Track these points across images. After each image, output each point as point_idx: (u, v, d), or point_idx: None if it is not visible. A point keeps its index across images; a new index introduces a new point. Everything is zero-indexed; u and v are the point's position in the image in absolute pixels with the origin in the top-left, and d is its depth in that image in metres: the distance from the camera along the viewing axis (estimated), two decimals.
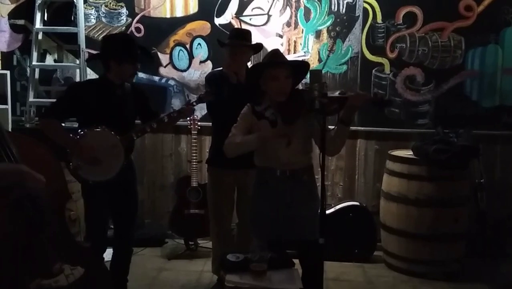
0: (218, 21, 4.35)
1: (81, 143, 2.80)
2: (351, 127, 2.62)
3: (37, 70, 4.40)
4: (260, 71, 2.64)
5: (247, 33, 3.37)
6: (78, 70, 4.39)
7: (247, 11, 4.34)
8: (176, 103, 4.43)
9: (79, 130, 2.85)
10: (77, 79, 4.42)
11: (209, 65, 4.40)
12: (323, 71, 3.99)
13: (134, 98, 3.04)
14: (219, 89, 3.22)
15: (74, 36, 4.30)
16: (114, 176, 2.88)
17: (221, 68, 3.57)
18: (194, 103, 3.10)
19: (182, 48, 4.42)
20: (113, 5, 4.43)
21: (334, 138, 2.55)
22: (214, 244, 3.55)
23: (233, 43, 3.28)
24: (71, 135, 2.84)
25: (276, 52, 2.77)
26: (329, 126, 2.54)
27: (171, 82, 4.46)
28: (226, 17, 4.35)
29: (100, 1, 4.43)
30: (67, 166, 2.82)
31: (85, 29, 4.35)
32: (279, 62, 2.63)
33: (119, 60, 2.85)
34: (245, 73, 3.15)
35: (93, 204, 2.97)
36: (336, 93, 2.49)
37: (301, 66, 2.68)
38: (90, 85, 3.06)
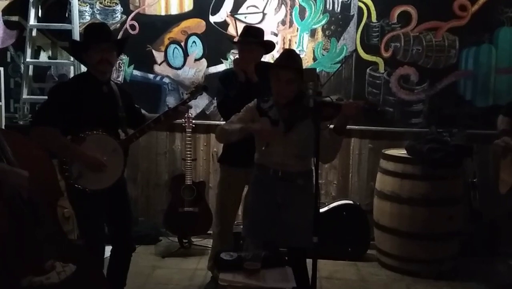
0: (213, 19, 4.34)
1: (85, 150, 2.59)
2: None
3: (31, 67, 4.38)
4: (266, 70, 2.66)
5: (257, 31, 3.33)
6: (72, 67, 4.37)
7: (242, 9, 4.34)
8: (171, 101, 4.42)
9: (77, 135, 2.62)
10: (71, 76, 4.40)
11: (204, 63, 4.39)
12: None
13: (121, 98, 2.83)
14: (229, 88, 3.21)
15: (69, 33, 4.28)
16: (115, 182, 2.72)
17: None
18: (188, 101, 2.99)
19: (177, 46, 4.41)
20: (107, 2, 4.41)
21: (327, 146, 2.51)
22: (214, 241, 3.54)
23: (240, 41, 3.29)
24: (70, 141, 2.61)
25: (286, 53, 2.76)
26: (331, 126, 2.54)
27: (166, 80, 4.44)
28: (221, 15, 4.34)
29: None
30: (63, 176, 2.60)
31: (79, 26, 4.32)
32: (281, 65, 2.61)
33: (84, 49, 2.66)
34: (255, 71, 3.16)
35: (91, 211, 2.70)
36: (334, 98, 2.49)
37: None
38: (73, 84, 2.80)
